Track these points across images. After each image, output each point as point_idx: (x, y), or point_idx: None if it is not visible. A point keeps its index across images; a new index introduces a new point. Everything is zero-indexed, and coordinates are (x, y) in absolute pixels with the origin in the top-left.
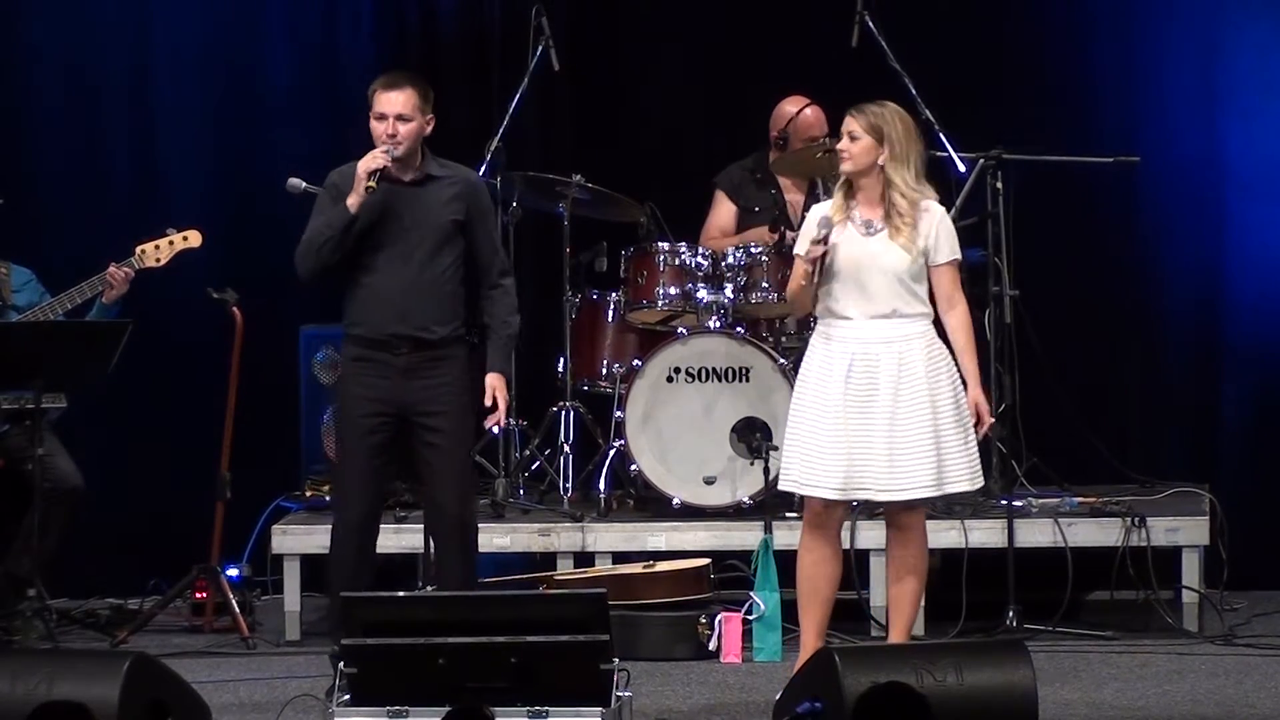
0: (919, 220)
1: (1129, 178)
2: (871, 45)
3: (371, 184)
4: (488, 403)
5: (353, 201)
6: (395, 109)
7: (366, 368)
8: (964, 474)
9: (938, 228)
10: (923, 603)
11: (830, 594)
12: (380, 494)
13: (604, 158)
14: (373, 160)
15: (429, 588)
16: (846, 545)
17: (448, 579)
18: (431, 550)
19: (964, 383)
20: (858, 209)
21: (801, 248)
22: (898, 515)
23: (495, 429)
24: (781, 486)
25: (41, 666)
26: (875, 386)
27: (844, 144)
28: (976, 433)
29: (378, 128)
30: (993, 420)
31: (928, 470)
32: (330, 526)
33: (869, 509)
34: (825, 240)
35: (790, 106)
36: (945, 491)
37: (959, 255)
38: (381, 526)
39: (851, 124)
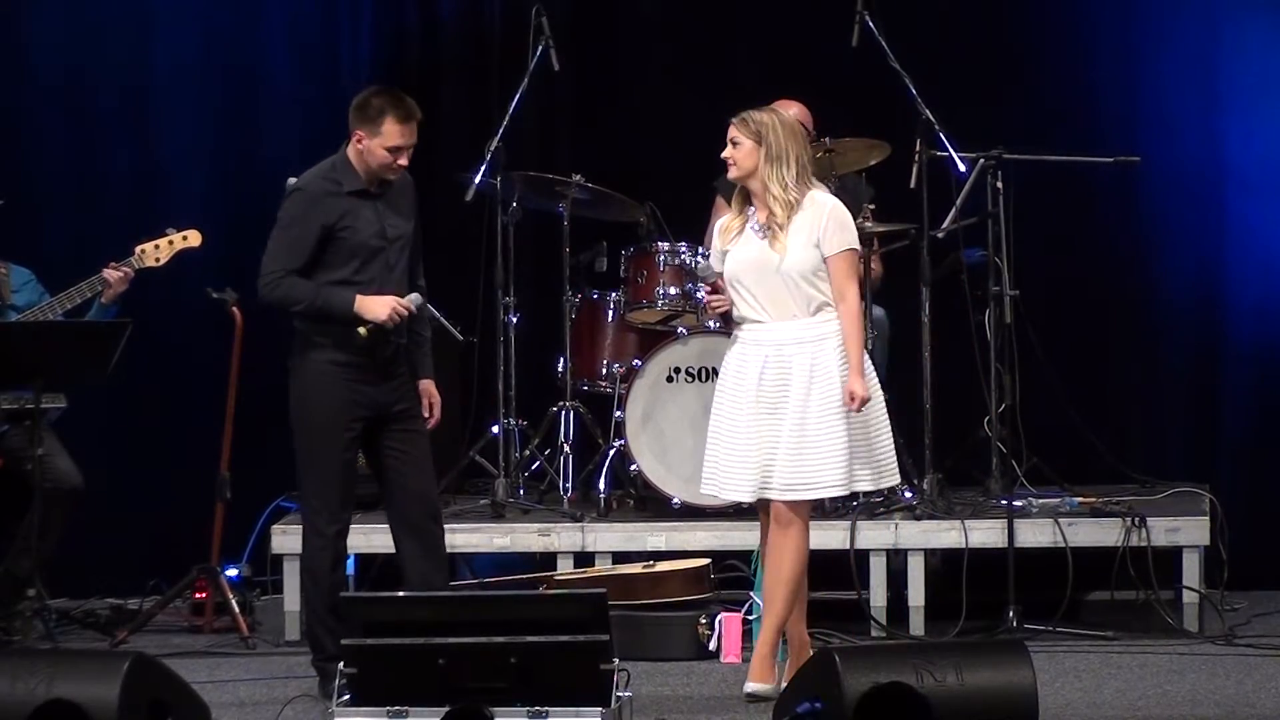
0: (798, 217)
1: (1129, 178)
2: (871, 45)
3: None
4: (426, 411)
5: (355, 310)
6: (413, 141)
7: (351, 373)
8: (867, 474)
9: (827, 218)
10: (923, 602)
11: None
12: (353, 502)
13: (604, 158)
14: (406, 305)
15: None
16: (845, 545)
17: (431, 567)
18: (399, 540)
19: (878, 379)
20: (755, 213)
21: (715, 261)
22: (781, 511)
23: (493, 429)
24: (703, 490)
25: (41, 666)
26: (787, 387)
27: (727, 151)
28: (853, 408)
29: (388, 159)
30: (855, 411)
31: (836, 470)
32: (305, 533)
33: (869, 509)
34: (716, 289)
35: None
36: (853, 490)
37: (854, 246)
38: (381, 527)
39: (733, 131)
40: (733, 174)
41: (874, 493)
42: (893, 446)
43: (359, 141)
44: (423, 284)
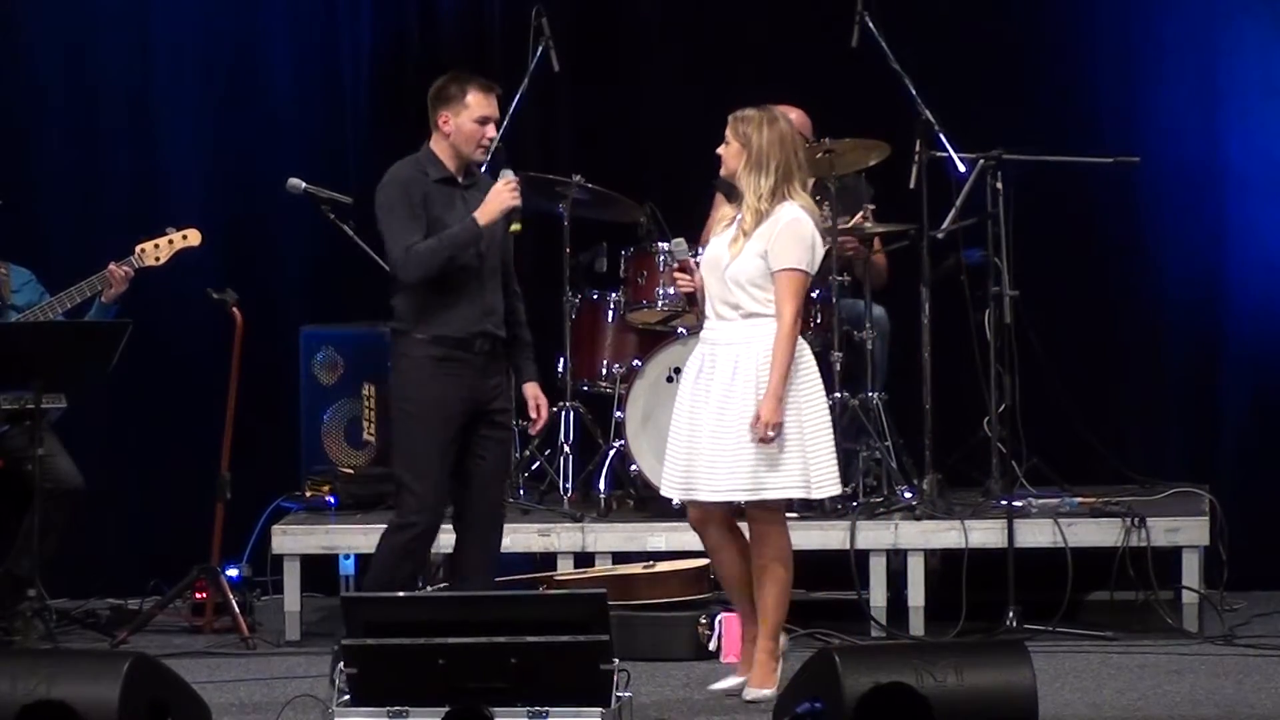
0: (762, 227)
1: (1129, 178)
2: (871, 45)
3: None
4: (533, 414)
5: (486, 221)
6: (497, 113)
7: (450, 367)
8: (794, 480)
9: (780, 232)
10: (923, 602)
11: (739, 584)
12: (448, 501)
13: (604, 158)
14: (509, 181)
15: (429, 588)
16: (845, 545)
17: (479, 576)
18: (463, 542)
19: (824, 390)
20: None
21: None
22: (751, 516)
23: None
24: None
25: (41, 666)
26: (711, 387)
27: (721, 147)
28: (757, 440)
29: (478, 131)
30: (772, 435)
31: (743, 473)
32: (388, 526)
33: (869, 510)
34: (684, 268)
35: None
36: (763, 497)
37: (800, 266)
38: (381, 527)
39: (728, 129)
40: (722, 171)
41: (874, 491)
42: (834, 456)
43: (445, 124)
44: (517, 288)
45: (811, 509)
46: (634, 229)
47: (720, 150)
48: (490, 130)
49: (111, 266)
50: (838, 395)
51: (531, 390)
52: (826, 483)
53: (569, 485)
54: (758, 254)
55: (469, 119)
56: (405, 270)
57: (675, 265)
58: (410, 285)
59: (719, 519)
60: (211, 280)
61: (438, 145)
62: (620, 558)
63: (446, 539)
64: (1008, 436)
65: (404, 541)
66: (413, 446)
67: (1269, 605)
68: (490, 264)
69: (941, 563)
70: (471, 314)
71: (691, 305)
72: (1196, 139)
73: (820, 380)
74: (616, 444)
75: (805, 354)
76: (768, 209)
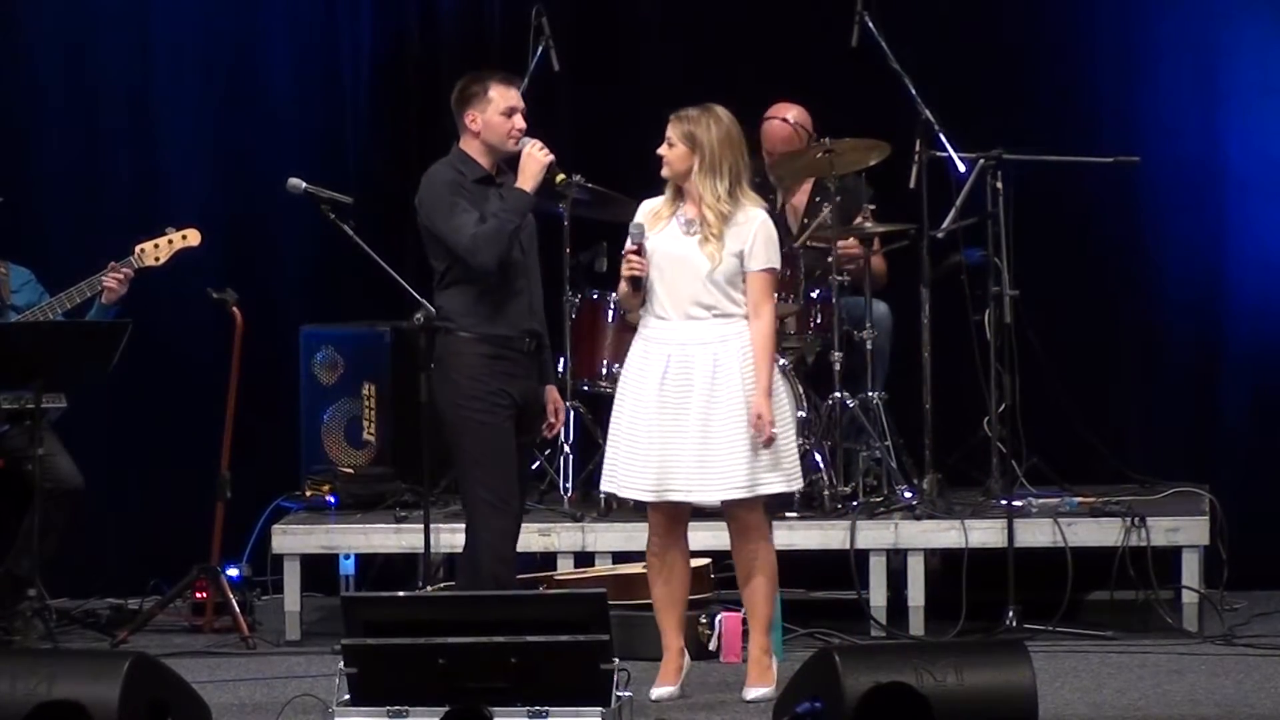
0: (730, 229)
1: (1129, 178)
2: (871, 46)
3: (563, 176)
4: (552, 417)
5: (531, 186)
6: (522, 104)
7: (501, 365)
8: (778, 475)
9: (755, 234)
10: (923, 602)
11: (683, 594)
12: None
13: (604, 158)
14: (534, 143)
15: (429, 588)
16: (845, 545)
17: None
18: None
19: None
20: (684, 206)
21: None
22: (737, 515)
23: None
24: (602, 488)
25: (41, 666)
26: (690, 387)
27: (663, 148)
28: (762, 440)
29: (506, 123)
30: (774, 433)
31: (740, 471)
32: (481, 543)
33: (869, 509)
34: (640, 250)
35: (769, 115)
36: (758, 493)
37: (775, 265)
38: (381, 527)
39: (670, 130)
40: (665, 173)
41: (874, 491)
42: (796, 450)
43: (473, 123)
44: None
45: (812, 509)
46: None
47: (662, 151)
48: (519, 120)
49: (111, 271)
50: (837, 395)
51: (553, 394)
52: (797, 475)
53: (569, 485)
54: (733, 254)
55: (495, 112)
56: (479, 255)
57: (633, 246)
58: (481, 275)
59: (683, 527)
60: (211, 280)
61: (468, 145)
62: (620, 558)
63: (448, 538)
64: (1008, 436)
65: (506, 531)
66: (480, 440)
67: (1269, 605)
68: (531, 258)
69: (941, 562)
70: (519, 311)
71: (636, 290)
72: (1196, 139)
73: (780, 377)
74: None
75: None
76: (729, 211)
